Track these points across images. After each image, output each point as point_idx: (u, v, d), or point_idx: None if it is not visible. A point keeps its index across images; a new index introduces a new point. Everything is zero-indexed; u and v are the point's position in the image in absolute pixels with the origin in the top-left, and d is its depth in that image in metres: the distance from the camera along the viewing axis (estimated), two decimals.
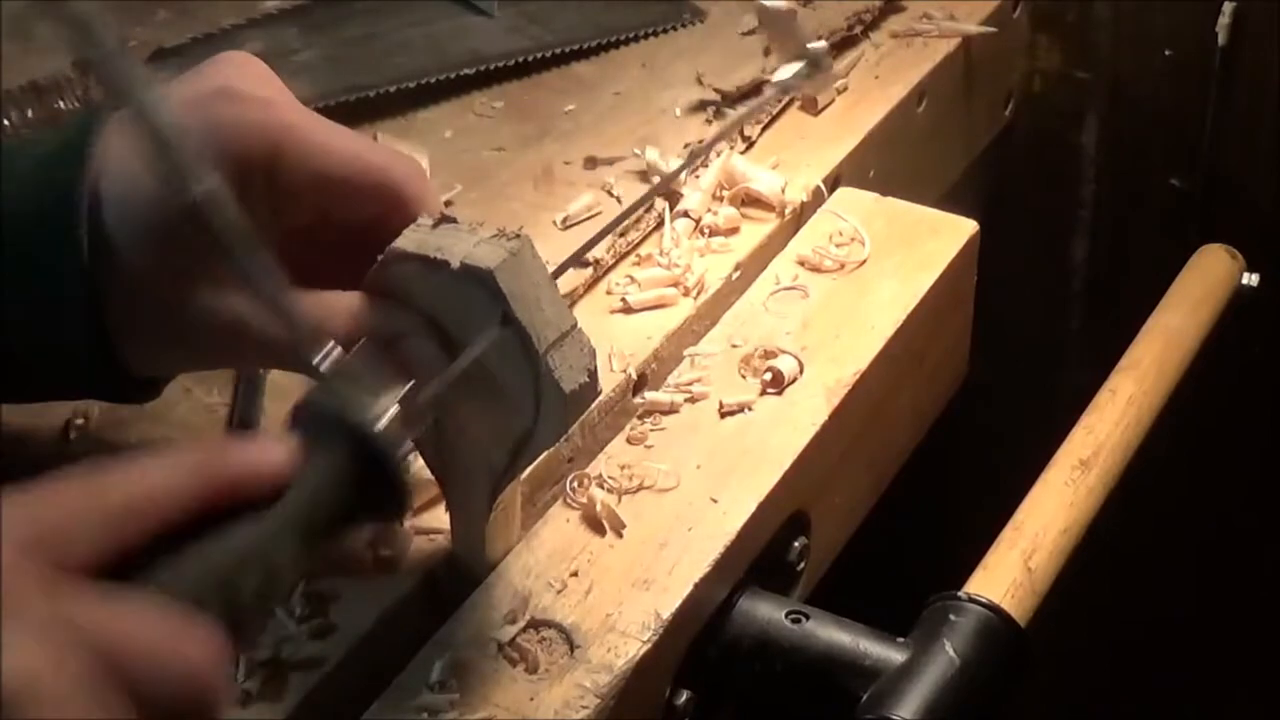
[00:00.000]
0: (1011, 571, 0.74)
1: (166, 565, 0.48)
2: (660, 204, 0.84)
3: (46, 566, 0.45)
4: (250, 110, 0.60)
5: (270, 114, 0.60)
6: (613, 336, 0.76)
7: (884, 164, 0.92)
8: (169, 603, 0.47)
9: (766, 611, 0.70)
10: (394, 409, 0.54)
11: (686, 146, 0.88)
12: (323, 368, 0.55)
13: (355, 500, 0.53)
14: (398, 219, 0.61)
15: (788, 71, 0.85)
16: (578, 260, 0.77)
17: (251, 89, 0.60)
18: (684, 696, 0.68)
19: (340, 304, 0.60)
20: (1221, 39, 1.06)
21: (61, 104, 0.86)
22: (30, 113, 0.85)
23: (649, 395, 0.75)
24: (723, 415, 0.74)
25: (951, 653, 0.68)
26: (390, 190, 0.62)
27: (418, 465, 0.67)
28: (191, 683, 0.46)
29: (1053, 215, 1.19)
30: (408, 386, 0.56)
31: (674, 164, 0.85)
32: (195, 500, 0.49)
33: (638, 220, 0.83)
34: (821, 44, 0.86)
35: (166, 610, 0.47)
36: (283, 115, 0.60)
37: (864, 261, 0.82)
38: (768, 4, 0.86)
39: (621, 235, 0.82)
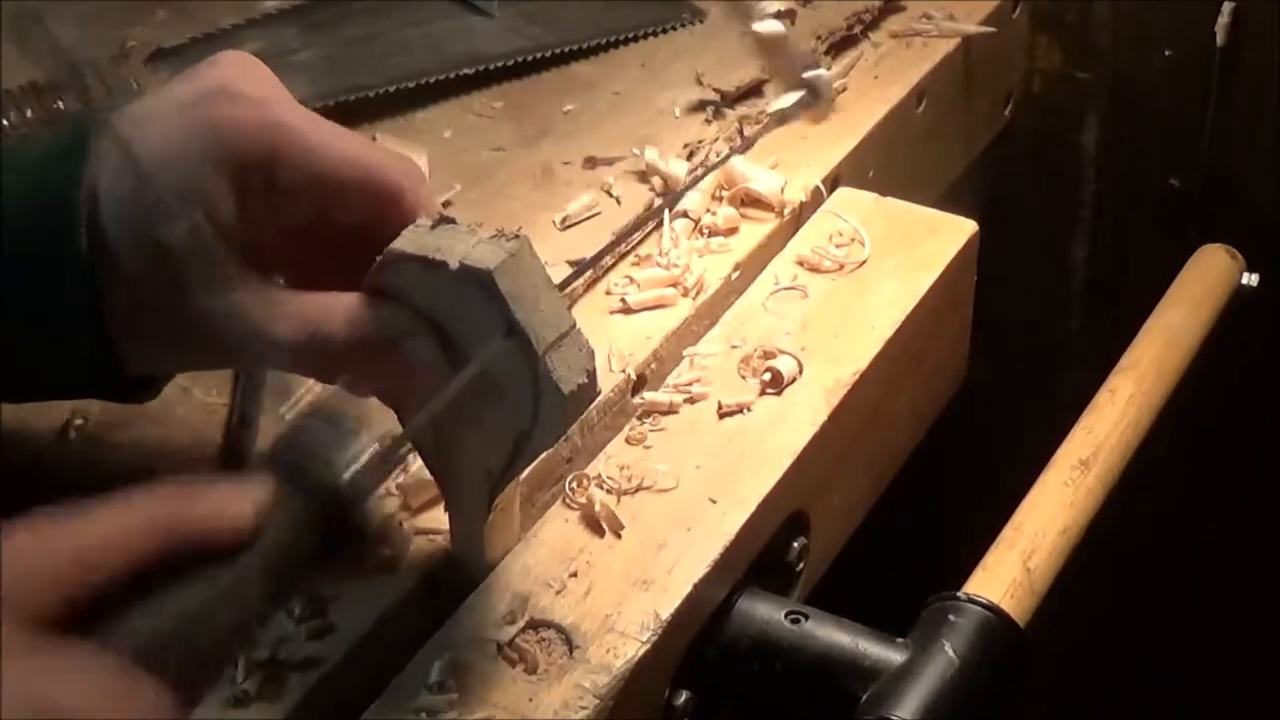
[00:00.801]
0: (1011, 571, 0.74)
1: (127, 616, 0.48)
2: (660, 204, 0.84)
3: (12, 609, 0.45)
4: (248, 110, 0.60)
5: (268, 114, 0.60)
6: (612, 337, 0.76)
7: (884, 164, 0.92)
8: (117, 661, 0.47)
9: (766, 611, 0.70)
10: (362, 459, 0.55)
11: (686, 146, 0.88)
12: (289, 415, 0.55)
13: (320, 548, 0.54)
14: (396, 220, 0.61)
15: (787, 100, 0.83)
16: (590, 266, 0.78)
17: (250, 89, 0.60)
18: (683, 697, 0.68)
19: (339, 306, 0.60)
20: (1221, 39, 1.06)
21: (61, 104, 0.86)
22: (30, 113, 0.85)
23: (648, 395, 0.75)
24: (722, 415, 0.74)
25: (951, 653, 0.68)
26: (388, 191, 0.62)
27: (417, 465, 0.67)
28: None
29: (1053, 215, 1.19)
30: (370, 450, 0.56)
31: (674, 164, 0.85)
32: (155, 549, 0.49)
33: (637, 220, 0.83)
34: (820, 72, 0.84)
35: (111, 672, 0.46)
36: (281, 115, 0.60)
37: (864, 262, 0.82)
38: (761, 30, 0.84)
39: (620, 236, 0.82)
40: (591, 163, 0.87)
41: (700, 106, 0.91)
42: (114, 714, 0.46)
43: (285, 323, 0.60)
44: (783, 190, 0.84)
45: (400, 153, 0.65)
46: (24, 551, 0.47)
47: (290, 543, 0.52)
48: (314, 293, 0.61)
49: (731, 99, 0.91)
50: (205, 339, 0.61)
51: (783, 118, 0.83)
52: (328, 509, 0.54)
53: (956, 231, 0.85)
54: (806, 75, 0.82)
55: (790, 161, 0.88)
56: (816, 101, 0.81)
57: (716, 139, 0.88)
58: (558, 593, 0.66)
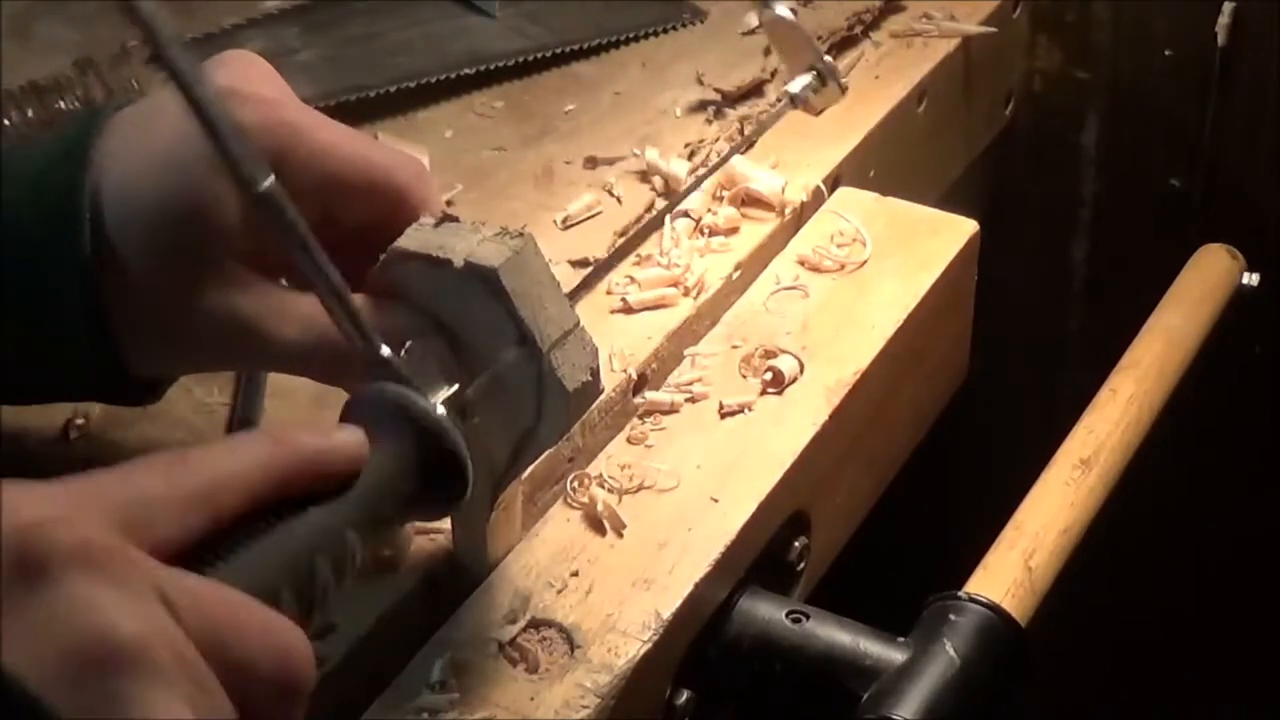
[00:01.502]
0: (1011, 571, 0.74)
1: (245, 552, 0.48)
2: (660, 204, 0.84)
3: (134, 546, 0.45)
4: (255, 110, 0.59)
5: (274, 114, 0.60)
6: (613, 336, 0.76)
7: (884, 164, 0.92)
8: (246, 591, 0.47)
9: (766, 611, 0.70)
10: (447, 397, 0.56)
11: (687, 146, 0.88)
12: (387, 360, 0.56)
13: (419, 486, 0.55)
14: (401, 219, 0.61)
15: (798, 84, 0.84)
16: (597, 277, 0.78)
17: (255, 89, 0.60)
18: (684, 696, 0.68)
19: None
20: (1221, 39, 1.06)
21: (61, 104, 0.86)
22: (30, 113, 0.85)
23: (649, 395, 0.75)
24: (723, 415, 0.74)
25: (952, 653, 0.68)
26: (394, 190, 0.62)
27: None
28: (285, 671, 0.46)
29: (1053, 215, 1.19)
30: (454, 388, 0.57)
31: (675, 164, 0.85)
32: (271, 486, 0.50)
33: (637, 220, 0.83)
34: (830, 60, 0.85)
35: (251, 598, 0.47)
36: (286, 115, 0.60)
37: (865, 261, 0.82)
38: (778, 13, 0.84)
39: (621, 235, 0.82)
40: (592, 163, 0.87)
41: (701, 106, 0.91)
42: (272, 637, 0.46)
43: (291, 325, 0.60)
44: (783, 190, 0.84)
45: (406, 152, 0.64)
46: (157, 483, 0.47)
47: (391, 479, 0.54)
48: None
49: (732, 99, 0.91)
50: (209, 342, 0.61)
51: (794, 102, 0.83)
52: (425, 447, 0.55)
53: (957, 231, 0.85)
54: (823, 60, 0.83)
55: (791, 161, 0.88)
56: (824, 87, 0.82)
57: (717, 139, 0.88)
58: (559, 592, 0.66)
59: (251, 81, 0.61)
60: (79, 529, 0.43)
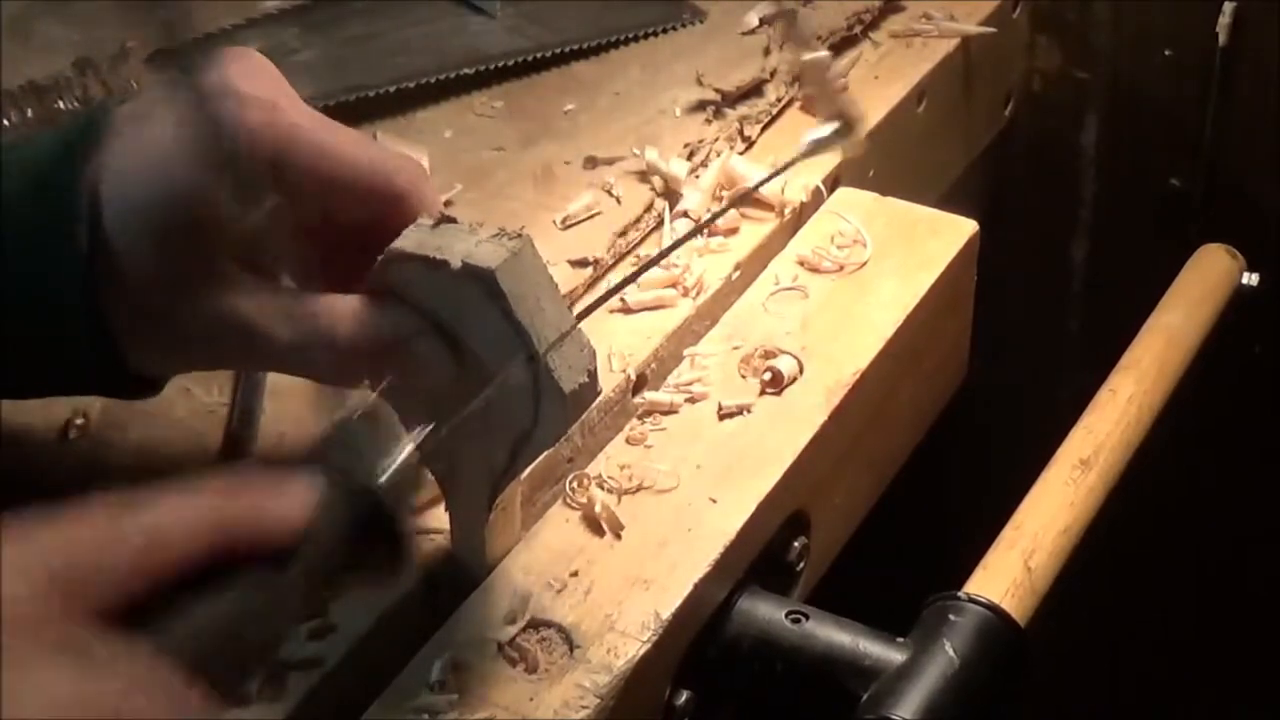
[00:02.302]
0: (1011, 571, 0.74)
1: (177, 614, 0.48)
2: (660, 204, 0.84)
3: (68, 599, 0.45)
4: (255, 111, 0.59)
5: (274, 115, 0.60)
6: (612, 336, 0.76)
7: (884, 164, 0.92)
8: (170, 660, 0.46)
9: (766, 611, 0.70)
10: (399, 463, 0.54)
11: (686, 146, 0.88)
12: (335, 419, 0.55)
13: (360, 555, 0.53)
14: (399, 219, 0.61)
15: (822, 131, 0.79)
16: (612, 295, 0.77)
17: (256, 89, 0.60)
18: (684, 696, 0.68)
19: (344, 307, 0.60)
20: (1221, 39, 1.06)
21: (61, 104, 0.86)
22: (30, 113, 0.85)
23: (649, 395, 0.75)
24: (722, 415, 0.74)
25: (951, 653, 0.68)
26: (393, 191, 0.62)
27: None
28: None
29: (1053, 215, 1.19)
30: (416, 437, 0.56)
31: (675, 164, 0.85)
32: (211, 545, 0.49)
33: (637, 220, 0.83)
34: (858, 110, 0.80)
35: (164, 673, 0.46)
36: (287, 116, 0.60)
37: (864, 262, 0.82)
38: (810, 58, 0.82)
39: (621, 235, 0.82)
40: (592, 163, 0.87)
41: (700, 106, 0.91)
42: (165, 715, 0.46)
43: (288, 325, 0.60)
44: (783, 190, 0.84)
45: (405, 153, 0.64)
46: (101, 535, 0.47)
47: (332, 547, 0.52)
48: (317, 294, 0.61)
49: (732, 99, 0.91)
50: (208, 341, 0.61)
51: (815, 149, 0.81)
52: (367, 517, 0.53)
53: (957, 231, 0.85)
54: (848, 112, 0.81)
55: None
56: (849, 134, 0.80)
57: (717, 139, 0.88)
58: (558, 592, 0.66)
59: (253, 81, 0.61)
60: (10, 588, 0.44)
